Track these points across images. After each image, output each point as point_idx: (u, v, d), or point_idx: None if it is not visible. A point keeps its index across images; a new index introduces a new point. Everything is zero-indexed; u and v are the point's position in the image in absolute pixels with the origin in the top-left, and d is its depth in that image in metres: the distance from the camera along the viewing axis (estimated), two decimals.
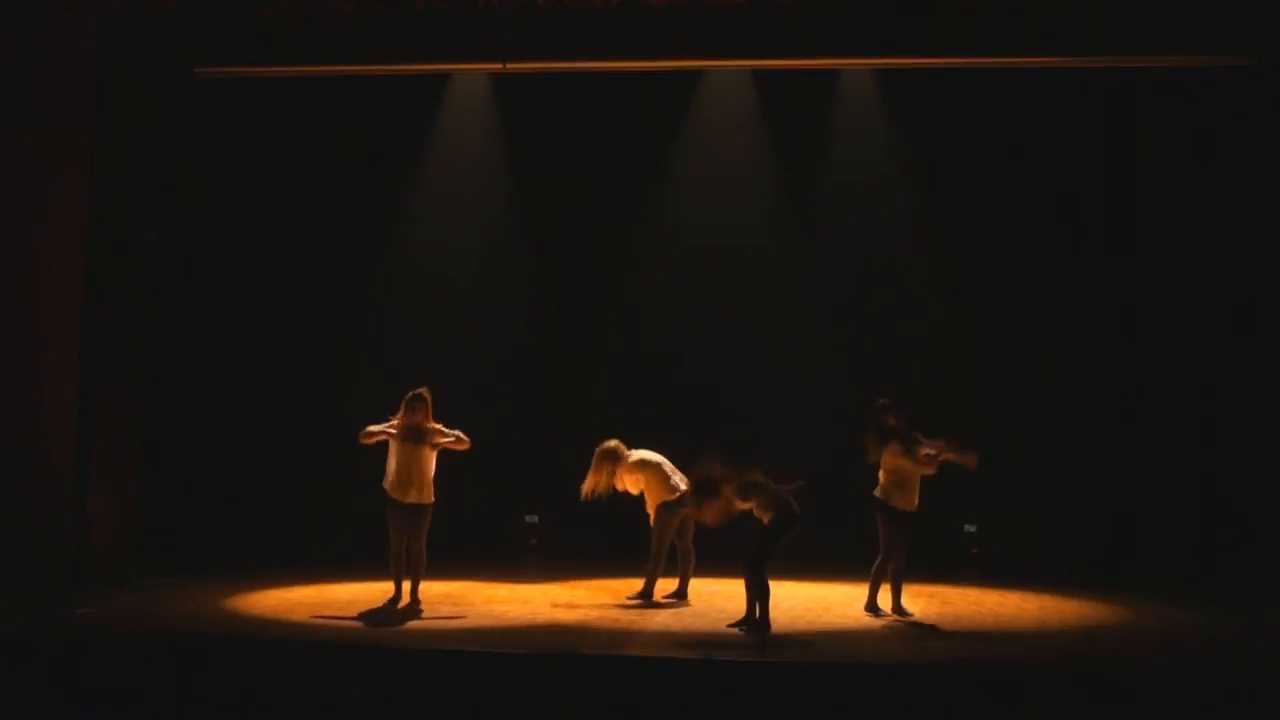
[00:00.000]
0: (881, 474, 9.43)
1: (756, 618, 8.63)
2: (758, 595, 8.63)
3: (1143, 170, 12.03)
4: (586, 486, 9.84)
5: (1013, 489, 11.89)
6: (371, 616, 9.09)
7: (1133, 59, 10.88)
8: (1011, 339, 12.24)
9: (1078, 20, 10.39)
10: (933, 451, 9.25)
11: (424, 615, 9.14)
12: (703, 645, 8.13)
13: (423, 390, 9.52)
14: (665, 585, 9.88)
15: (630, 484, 9.88)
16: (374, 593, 9.80)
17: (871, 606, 9.42)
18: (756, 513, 8.68)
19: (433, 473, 9.47)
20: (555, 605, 9.62)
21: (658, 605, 9.67)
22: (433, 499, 9.51)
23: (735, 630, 8.63)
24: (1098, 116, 12.04)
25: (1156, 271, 12.00)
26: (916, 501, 9.41)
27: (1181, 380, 11.86)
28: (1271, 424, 11.17)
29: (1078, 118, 12.06)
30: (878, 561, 9.40)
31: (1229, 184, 11.70)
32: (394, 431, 9.44)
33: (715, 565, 10.01)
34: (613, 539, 11.13)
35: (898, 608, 9.39)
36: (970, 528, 11.88)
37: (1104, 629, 9.03)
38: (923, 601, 9.94)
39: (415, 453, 9.40)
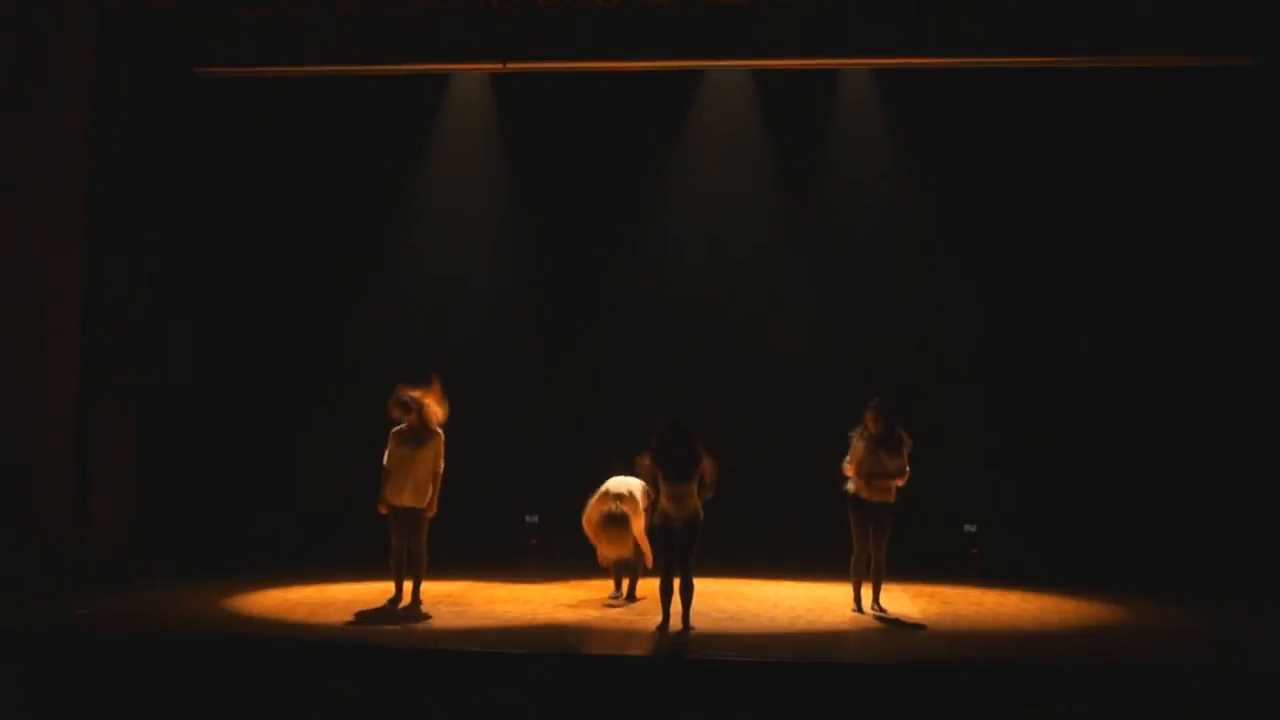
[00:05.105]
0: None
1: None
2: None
3: (1143, 170, 12.01)
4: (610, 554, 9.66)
5: (1013, 489, 11.88)
6: (371, 616, 9.09)
7: (1133, 59, 10.86)
8: (1011, 338, 12.23)
9: (1077, 20, 10.37)
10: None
11: (424, 615, 9.13)
12: (703, 645, 8.14)
13: (418, 394, 9.46)
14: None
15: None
16: (374, 593, 9.79)
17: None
18: None
19: (430, 474, 9.37)
20: (556, 605, 9.62)
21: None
22: (428, 501, 9.42)
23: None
24: (1098, 116, 12.03)
25: (1156, 271, 11.99)
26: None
27: (1181, 379, 11.84)
28: (1271, 423, 11.16)
29: (1078, 118, 12.04)
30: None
31: (1228, 184, 11.69)
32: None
33: (715, 565, 10.00)
34: None
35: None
36: (970, 528, 11.87)
37: (1104, 629, 9.04)
38: (923, 601, 9.94)
39: (411, 455, 9.38)
